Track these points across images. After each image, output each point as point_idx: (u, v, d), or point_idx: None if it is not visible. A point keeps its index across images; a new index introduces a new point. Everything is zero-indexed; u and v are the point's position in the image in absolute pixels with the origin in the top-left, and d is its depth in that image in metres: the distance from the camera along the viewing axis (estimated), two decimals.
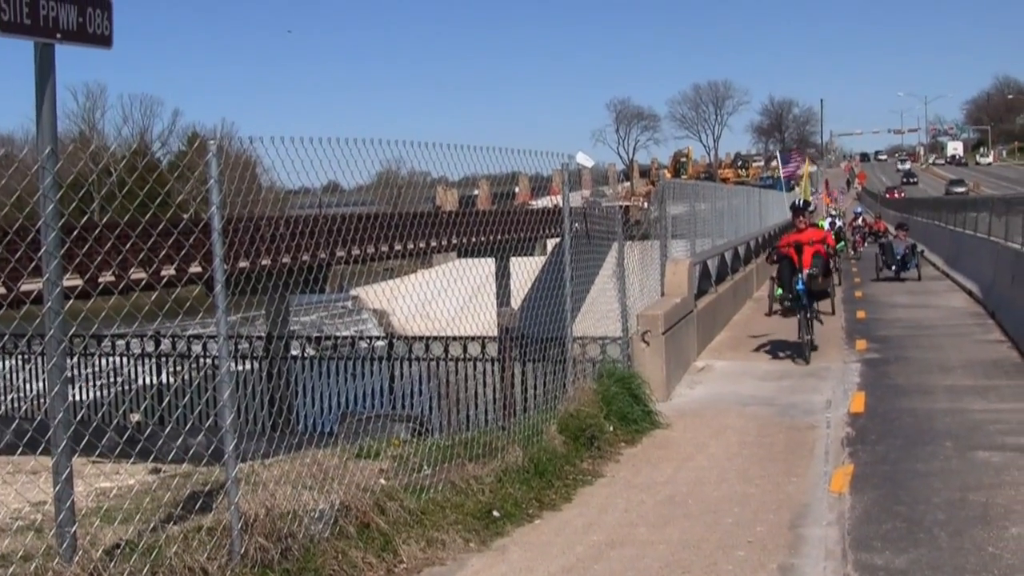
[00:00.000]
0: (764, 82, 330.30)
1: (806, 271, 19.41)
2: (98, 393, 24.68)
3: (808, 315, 19.70)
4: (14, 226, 8.10)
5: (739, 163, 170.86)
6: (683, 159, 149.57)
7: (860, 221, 54.42)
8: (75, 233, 8.19)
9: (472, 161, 11.62)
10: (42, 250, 6.72)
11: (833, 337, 22.16)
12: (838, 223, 50.89)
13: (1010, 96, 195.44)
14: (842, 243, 44.79)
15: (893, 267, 35.60)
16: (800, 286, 19.38)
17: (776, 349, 20.55)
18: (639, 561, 8.93)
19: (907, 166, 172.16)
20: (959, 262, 34.23)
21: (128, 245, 9.14)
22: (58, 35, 6.75)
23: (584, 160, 15.37)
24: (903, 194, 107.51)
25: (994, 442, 12.66)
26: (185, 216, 10.45)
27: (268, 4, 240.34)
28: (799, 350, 19.72)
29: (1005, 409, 14.58)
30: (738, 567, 8.65)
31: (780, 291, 21.59)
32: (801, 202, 22.13)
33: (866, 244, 50.76)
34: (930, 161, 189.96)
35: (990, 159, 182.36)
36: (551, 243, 39.28)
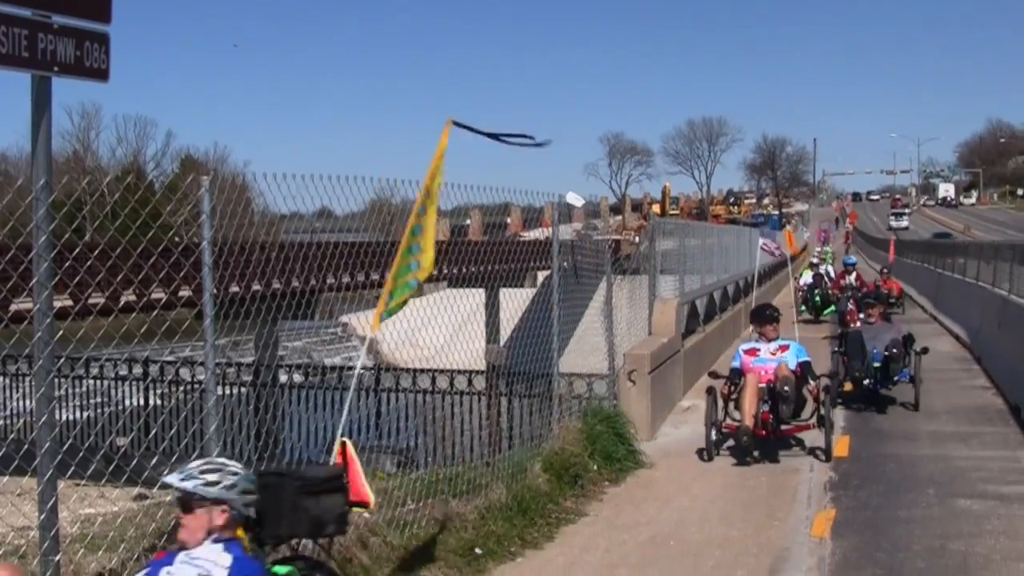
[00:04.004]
0: (758, 120, 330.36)
1: None
2: (86, 414, 24.68)
3: None
4: (4, 251, 8.14)
5: (731, 200, 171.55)
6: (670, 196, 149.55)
7: (853, 278, 34.91)
8: (67, 264, 8.22)
9: (464, 193, 11.81)
10: (33, 280, 6.77)
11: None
12: (828, 271, 37.74)
13: (1002, 139, 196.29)
14: (831, 307, 33.59)
15: (867, 379, 18.20)
16: None
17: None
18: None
19: (904, 223, 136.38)
20: (946, 305, 34.21)
21: (120, 275, 9.19)
22: (55, 68, 6.81)
23: (574, 200, 15.43)
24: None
25: (975, 490, 12.71)
26: (178, 243, 10.53)
27: (262, 25, 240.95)
28: None
29: (987, 457, 14.63)
30: None
31: None
32: None
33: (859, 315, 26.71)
34: (921, 203, 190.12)
35: (973, 200, 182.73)
36: (541, 275, 39.36)
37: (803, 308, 33.97)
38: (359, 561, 8.91)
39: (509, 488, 11.46)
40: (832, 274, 37.51)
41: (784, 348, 15.35)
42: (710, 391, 14.91)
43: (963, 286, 31.47)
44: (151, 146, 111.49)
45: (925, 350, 18.82)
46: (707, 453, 14.64)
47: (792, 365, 14.89)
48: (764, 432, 14.48)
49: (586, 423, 14.04)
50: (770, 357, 15.10)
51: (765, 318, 15.92)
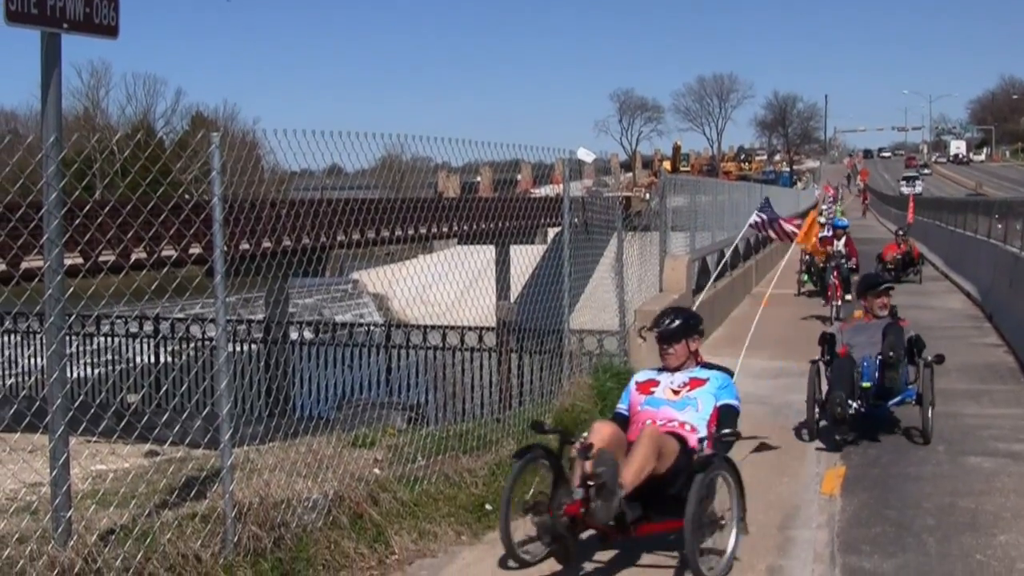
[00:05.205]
0: (769, 76, 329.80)
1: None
2: (97, 371, 24.77)
3: None
4: (15, 209, 8.14)
5: (742, 157, 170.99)
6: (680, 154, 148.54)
7: (842, 245, 26.31)
8: (77, 221, 8.22)
9: (474, 149, 11.78)
10: (44, 237, 6.77)
11: None
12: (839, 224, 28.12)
13: (1015, 96, 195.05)
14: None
15: (857, 400, 12.75)
16: None
17: (774, 346, 20.45)
18: (628, 557, 8.98)
19: (917, 188, 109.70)
20: (958, 263, 34.08)
21: (131, 233, 9.21)
22: (64, 25, 6.79)
23: (585, 155, 15.39)
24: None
25: (986, 448, 12.71)
26: (188, 199, 10.53)
27: None
28: None
29: (998, 415, 14.61)
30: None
31: None
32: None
33: (844, 292, 24.68)
34: (932, 159, 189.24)
35: (982, 156, 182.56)
36: (552, 232, 39.24)
37: (806, 278, 30.01)
38: (369, 516, 8.93)
39: (519, 444, 11.44)
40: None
41: (698, 382, 9.27)
42: (550, 456, 8.50)
43: (975, 243, 31.35)
44: (160, 104, 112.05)
45: (940, 359, 13.52)
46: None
47: (706, 413, 9.06)
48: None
49: (597, 379, 14.04)
50: (671, 398, 9.16)
51: (664, 335, 9.51)
